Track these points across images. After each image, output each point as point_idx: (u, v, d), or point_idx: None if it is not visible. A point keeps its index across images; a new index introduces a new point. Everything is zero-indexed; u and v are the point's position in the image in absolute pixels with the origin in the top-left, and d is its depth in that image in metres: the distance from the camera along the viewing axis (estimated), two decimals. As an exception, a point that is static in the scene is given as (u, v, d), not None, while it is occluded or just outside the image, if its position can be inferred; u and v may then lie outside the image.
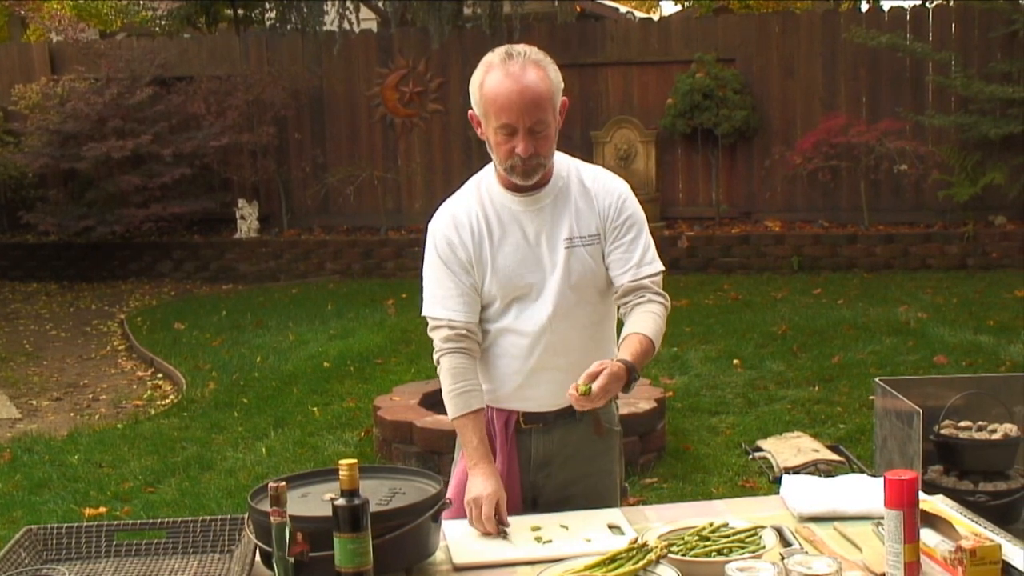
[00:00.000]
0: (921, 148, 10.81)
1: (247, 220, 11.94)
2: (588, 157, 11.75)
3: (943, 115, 10.85)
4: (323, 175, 11.90)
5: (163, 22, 15.12)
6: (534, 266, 2.66)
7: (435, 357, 2.68)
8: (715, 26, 12.05)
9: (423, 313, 2.71)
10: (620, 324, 2.72)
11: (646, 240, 2.71)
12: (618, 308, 2.74)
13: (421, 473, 2.46)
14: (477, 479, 2.53)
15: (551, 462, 2.72)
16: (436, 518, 2.30)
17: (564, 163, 2.72)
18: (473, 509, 2.47)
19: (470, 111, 2.64)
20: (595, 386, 2.40)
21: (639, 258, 2.68)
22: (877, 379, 3.97)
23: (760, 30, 11.75)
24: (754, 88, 11.52)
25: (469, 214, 2.68)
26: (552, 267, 2.65)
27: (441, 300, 2.66)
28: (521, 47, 2.58)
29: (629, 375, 2.48)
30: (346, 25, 12.33)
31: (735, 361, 7.37)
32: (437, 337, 2.67)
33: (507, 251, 2.66)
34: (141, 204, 11.44)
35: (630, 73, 11.95)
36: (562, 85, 2.63)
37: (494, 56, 2.57)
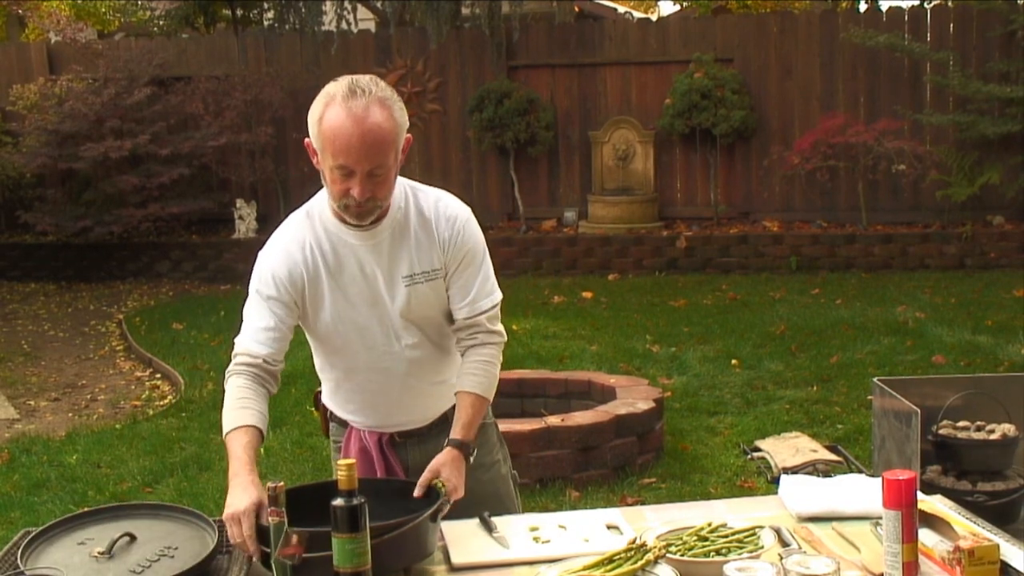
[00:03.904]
0: (919, 148, 10.82)
1: (245, 220, 11.94)
2: (586, 157, 11.78)
3: (941, 115, 10.85)
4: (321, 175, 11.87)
5: (161, 22, 15.11)
6: (373, 301, 2.58)
7: (224, 378, 2.57)
8: (713, 26, 12.05)
9: (235, 340, 2.60)
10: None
11: (484, 271, 2.64)
12: (455, 337, 2.68)
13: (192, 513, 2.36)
14: (236, 491, 2.28)
15: None
16: (435, 518, 2.30)
17: (401, 191, 2.58)
18: (232, 527, 2.22)
19: (306, 139, 2.49)
20: (450, 485, 2.40)
21: (475, 293, 2.62)
22: (875, 379, 3.98)
23: (758, 30, 11.75)
24: (752, 88, 11.52)
25: (303, 247, 2.56)
26: (391, 303, 2.58)
27: (252, 333, 2.56)
28: (367, 81, 2.44)
29: (464, 454, 2.51)
30: (344, 25, 12.33)
31: (733, 361, 7.37)
32: (234, 360, 2.57)
33: (343, 284, 2.56)
34: (139, 204, 11.43)
35: (628, 73, 11.95)
36: (407, 124, 2.47)
37: (337, 88, 2.42)
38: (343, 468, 2.12)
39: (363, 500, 2.11)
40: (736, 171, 11.77)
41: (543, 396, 6.02)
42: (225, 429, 2.46)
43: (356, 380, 2.67)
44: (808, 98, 11.60)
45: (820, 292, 9.68)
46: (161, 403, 7.19)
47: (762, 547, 2.21)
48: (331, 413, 2.83)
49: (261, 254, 2.63)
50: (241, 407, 2.49)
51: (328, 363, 2.71)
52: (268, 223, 12.15)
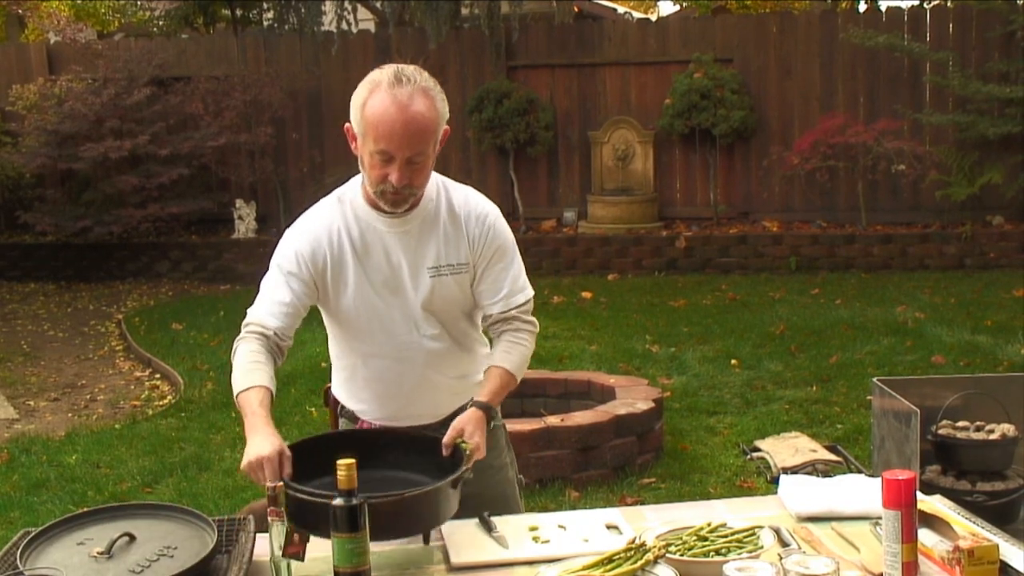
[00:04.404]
0: (919, 148, 10.82)
1: (245, 220, 11.94)
2: (586, 157, 11.78)
3: (941, 115, 10.85)
4: (321, 175, 11.88)
5: (161, 22, 15.11)
6: (395, 290, 2.59)
7: (234, 346, 2.57)
8: (713, 26, 12.05)
9: (247, 310, 2.61)
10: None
11: (516, 267, 2.68)
12: (489, 330, 2.72)
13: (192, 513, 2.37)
14: (256, 439, 2.31)
15: None
16: (455, 484, 2.32)
17: (434, 185, 2.63)
18: (256, 473, 2.26)
19: (347, 124, 2.53)
20: (472, 443, 2.42)
21: (508, 288, 2.66)
22: (875, 379, 3.98)
23: (758, 30, 11.75)
24: (752, 88, 11.52)
25: (331, 230, 2.59)
26: (415, 293, 2.59)
27: (266, 305, 2.57)
28: (412, 70, 2.48)
29: (488, 416, 2.53)
30: (344, 25, 12.32)
31: (733, 361, 7.37)
32: (244, 329, 2.57)
33: (369, 270, 2.58)
34: (139, 204, 11.42)
35: (628, 73, 11.95)
36: (447, 115, 2.53)
37: (383, 75, 2.46)
38: (343, 468, 2.12)
39: (363, 500, 2.11)
40: (736, 171, 11.77)
41: (543, 396, 6.02)
42: (237, 389, 2.47)
43: (373, 367, 2.66)
44: (808, 98, 11.60)
45: (820, 292, 9.68)
46: (160, 403, 7.19)
47: (761, 547, 2.21)
48: (342, 407, 2.81)
49: (287, 232, 2.66)
50: (253, 368, 2.49)
51: (347, 348, 2.70)
52: (267, 223, 12.16)
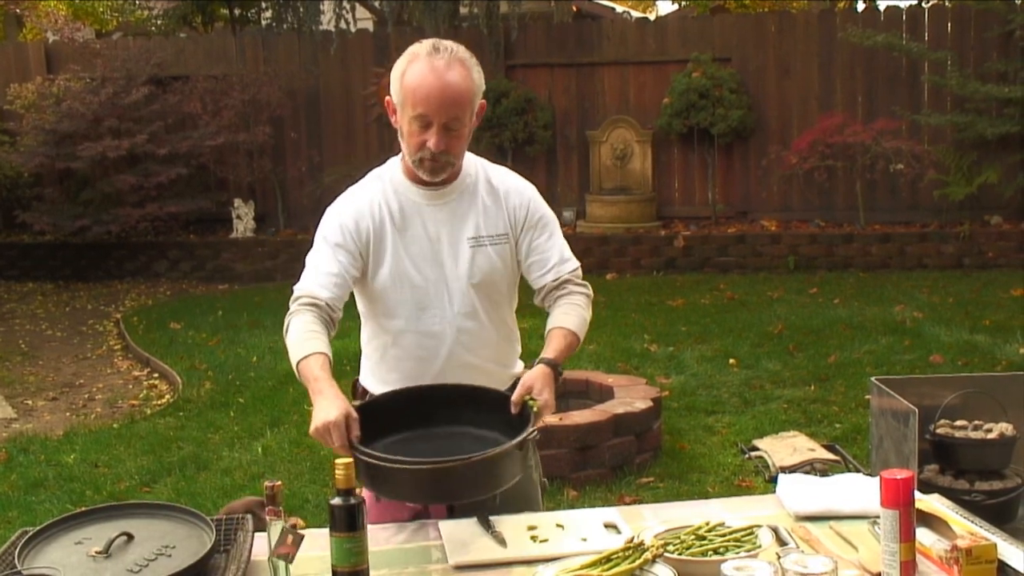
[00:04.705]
0: (917, 147, 10.83)
1: (243, 220, 11.93)
2: (584, 156, 11.78)
3: (939, 115, 10.86)
4: (319, 175, 11.88)
5: (159, 21, 15.10)
6: (432, 262, 2.63)
7: (286, 320, 2.57)
8: (711, 26, 12.05)
9: (294, 287, 2.64)
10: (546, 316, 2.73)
11: (560, 238, 2.74)
12: (543, 303, 2.74)
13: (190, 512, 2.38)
14: (323, 403, 2.35)
15: None
16: (521, 446, 2.33)
17: (472, 162, 2.70)
18: (325, 438, 2.32)
19: (388, 97, 2.61)
20: (541, 400, 2.43)
21: (558, 257, 2.71)
22: (873, 378, 3.98)
23: (756, 30, 11.76)
24: (750, 88, 11.52)
25: (371, 203, 2.64)
26: (454, 265, 2.63)
27: (315, 276, 2.60)
28: (449, 43, 2.56)
29: (555, 373, 2.53)
30: (343, 25, 12.32)
31: (731, 360, 7.37)
32: (295, 303, 2.58)
33: (407, 243, 2.63)
34: (137, 204, 11.42)
35: (626, 73, 11.95)
36: (483, 88, 2.61)
37: (420, 48, 2.54)
38: (340, 467, 2.12)
39: (361, 499, 2.11)
40: (734, 171, 11.78)
41: (541, 395, 6.01)
42: (296, 358, 2.49)
43: (404, 344, 2.66)
44: (806, 98, 11.60)
45: (818, 291, 9.68)
46: (159, 403, 7.18)
47: (760, 546, 2.21)
48: (370, 396, 2.81)
49: (330, 209, 2.70)
50: (309, 337, 2.50)
51: (378, 327, 2.71)
52: (266, 223, 12.16)
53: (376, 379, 2.76)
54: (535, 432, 2.38)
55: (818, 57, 11.56)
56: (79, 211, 11.51)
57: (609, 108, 11.93)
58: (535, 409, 2.41)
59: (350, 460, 2.14)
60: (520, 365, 2.82)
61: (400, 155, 2.66)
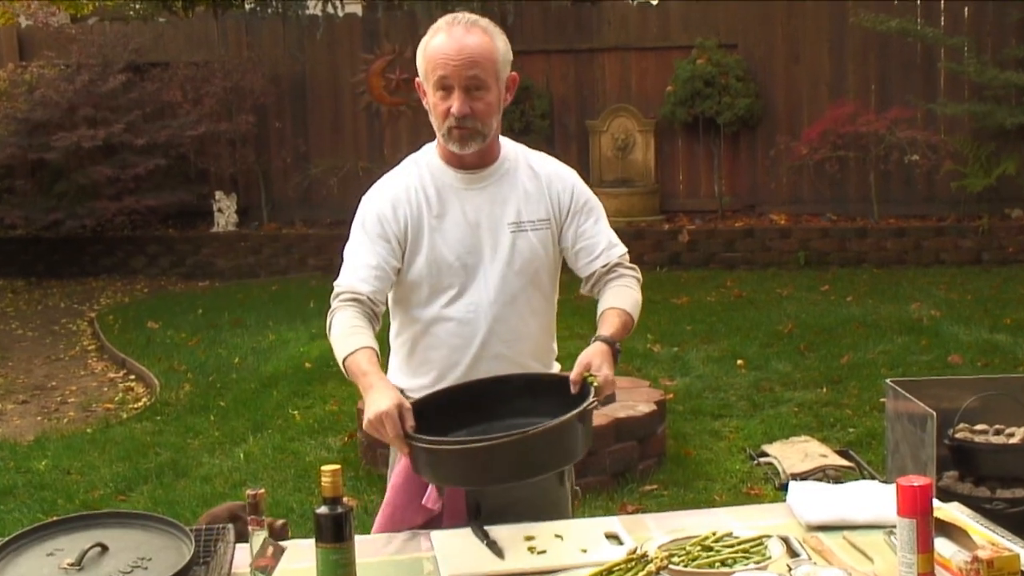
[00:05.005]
0: (933, 137, 10.84)
1: (225, 213, 11.92)
2: (584, 146, 11.77)
3: (956, 103, 10.87)
4: (305, 166, 11.88)
5: (137, 6, 15.08)
6: (472, 248, 2.65)
7: (328, 318, 2.60)
8: (716, 10, 12.03)
9: (334, 283, 2.66)
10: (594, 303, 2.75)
11: (606, 223, 2.77)
12: (592, 291, 2.77)
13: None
14: (375, 395, 2.37)
15: None
16: (582, 418, 2.34)
17: (512, 147, 2.76)
18: (378, 430, 2.34)
19: (417, 80, 2.67)
20: (601, 376, 2.43)
21: (606, 242, 2.74)
22: (888, 380, 3.98)
23: (764, 14, 11.75)
24: (758, 75, 11.52)
25: (408, 189, 2.67)
26: (492, 251, 2.65)
27: (355, 270, 2.63)
28: (470, 14, 2.63)
29: (613, 352, 2.53)
30: (330, 9, 12.31)
31: (739, 361, 7.37)
32: (337, 299, 2.61)
33: (445, 229, 2.65)
34: (113, 196, 11.41)
35: (628, 59, 11.95)
36: (510, 58, 2.65)
37: (441, 21, 2.62)
38: (327, 474, 2.11)
39: (349, 508, 2.10)
40: (741, 162, 11.78)
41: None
42: (341, 355, 2.51)
43: (436, 333, 2.67)
44: (816, 85, 11.61)
45: (830, 288, 9.69)
46: (135, 406, 7.17)
47: (770, 557, 2.21)
48: (417, 397, 2.80)
49: (365, 198, 2.73)
50: (354, 332, 2.53)
51: (409, 318, 2.71)
52: (249, 216, 12.14)
53: (405, 374, 2.76)
54: (595, 403, 2.39)
55: (829, 43, 11.56)
56: (52, 204, 11.49)
57: (610, 96, 11.93)
58: (595, 385, 2.41)
59: (337, 467, 2.13)
60: (556, 367, 2.83)
61: (436, 141, 2.70)
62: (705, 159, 11.79)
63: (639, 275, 2.79)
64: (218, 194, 11.98)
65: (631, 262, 2.81)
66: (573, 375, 2.46)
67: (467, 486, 2.48)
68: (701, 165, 11.85)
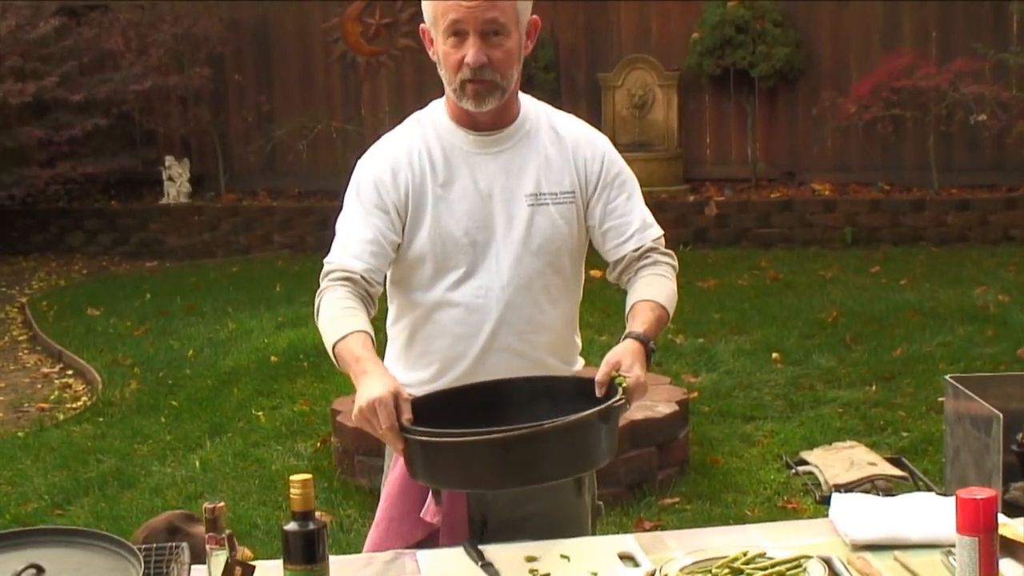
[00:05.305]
0: (1004, 94, 10.81)
1: (176, 182, 11.91)
2: (595, 104, 11.74)
3: (1030, 53, 10.86)
4: (269, 127, 11.84)
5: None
6: (481, 223, 2.64)
7: (316, 300, 2.61)
8: (751, -56, 12.02)
9: (324, 260, 2.67)
10: (620, 292, 2.77)
11: (641, 200, 2.75)
12: (620, 277, 2.76)
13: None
14: (368, 380, 2.36)
15: None
16: (605, 417, 2.35)
17: (533, 106, 2.74)
18: (371, 419, 2.31)
19: (422, 26, 2.66)
20: (632, 377, 2.43)
21: (640, 222, 2.72)
22: (948, 377, 3.99)
23: (806, -51, 11.73)
24: (799, 20, 11.50)
25: (410, 152, 2.66)
26: (507, 227, 2.64)
27: (347, 245, 2.62)
28: None
29: (647, 351, 2.53)
30: (298, -59, 12.30)
31: (774, 355, 7.39)
32: (326, 278, 2.62)
33: (452, 199, 2.64)
34: (45, 162, 11.40)
35: (647, 3, 11.92)
36: (530, 2, 2.67)
37: None
38: (297, 485, 2.12)
39: (323, 524, 2.12)
40: (779, 122, 11.77)
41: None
42: (331, 341, 2.51)
43: (438, 320, 2.67)
44: (867, 32, 11.58)
45: (881, 270, 9.70)
46: (73, 405, 7.19)
47: (809, 581, 2.22)
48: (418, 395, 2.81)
49: (360, 162, 2.72)
50: (345, 315, 2.52)
51: (409, 303, 2.71)
52: (204, 185, 12.14)
53: (403, 366, 2.76)
54: (622, 400, 2.39)
55: (882, -18, 11.56)
56: (-27, 171, 11.50)
57: (625, 45, 11.91)
58: (624, 386, 2.41)
59: (308, 477, 2.14)
60: (580, 362, 2.84)
61: (444, 97, 2.68)
62: (737, 119, 11.78)
63: (675, 262, 2.77)
64: (168, 160, 11.96)
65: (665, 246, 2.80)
66: (599, 376, 2.46)
67: (470, 489, 2.47)
68: (732, 126, 11.85)
